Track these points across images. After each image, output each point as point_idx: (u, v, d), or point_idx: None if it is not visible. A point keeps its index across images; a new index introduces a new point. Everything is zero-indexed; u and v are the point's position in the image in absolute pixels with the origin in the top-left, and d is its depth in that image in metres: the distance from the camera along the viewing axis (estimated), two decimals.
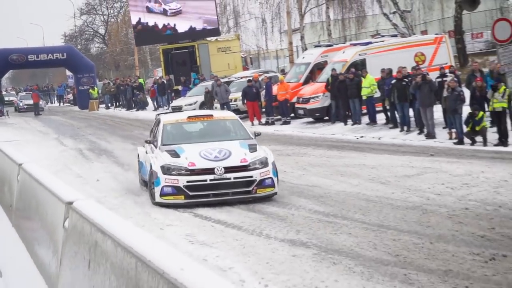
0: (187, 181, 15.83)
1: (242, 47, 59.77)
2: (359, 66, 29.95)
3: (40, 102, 61.05)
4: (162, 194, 15.94)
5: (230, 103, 35.38)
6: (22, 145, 28.72)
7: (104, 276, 6.82)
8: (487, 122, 22.55)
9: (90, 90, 58.62)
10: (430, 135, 24.55)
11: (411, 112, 25.94)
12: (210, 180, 15.84)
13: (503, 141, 21.89)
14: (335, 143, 25.62)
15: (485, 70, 24.83)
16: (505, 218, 13.18)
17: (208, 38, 53.92)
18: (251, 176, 16.02)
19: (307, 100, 31.37)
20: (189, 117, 18.77)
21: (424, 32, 39.11)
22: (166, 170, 16.03)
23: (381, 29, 43.33)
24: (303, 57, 37.39)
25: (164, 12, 53.90)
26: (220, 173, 15.79)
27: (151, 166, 16.61)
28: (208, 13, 53.73)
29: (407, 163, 19.69)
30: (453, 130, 23.41)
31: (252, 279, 10.35)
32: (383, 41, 33.53)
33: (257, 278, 10.41)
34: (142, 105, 50.97)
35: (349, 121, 28.99)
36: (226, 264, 11.13)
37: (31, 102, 60.63)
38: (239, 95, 35.06)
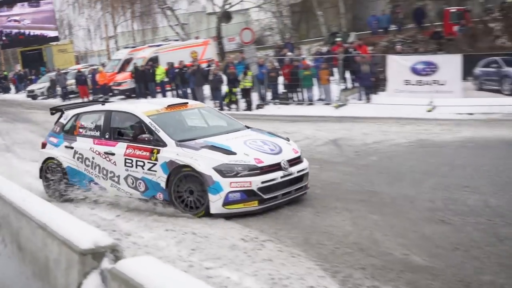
0: (262, 182, 8.95)
1: (75, 48, 58.04)
2: (154, 60, 29.69)
3: None
4: (227, 203, 8.79)
5: (67, 87, 34.41)
6: None
7: None
8: (239, 95, 23.00)
9: None
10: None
11: (189, 90, 25.98)
12: (281, 177, 9.18)
13: (249, 107, 22.39)
14: None
15: (236, 62, 25.14)
16: None
17: (51, 43, 53.09)
18: (306, 168, 9.72)
19: (119, 84, 30.75)
20: (169, 106, 10.46)
21: (197, 37, 39.05)
22: (229, 171, 8.84)
23: (169, 36, 42.91)
24: (117, 55, 36.70)
25: (19, 27, 52.58)
26: (286, 168, 9.26)
27: (169, 168, 9.22)
28: (50, 25, 53.03)
29: None
30: (217, 102, 23.65)
31: (84, 207, 10.00)
32: (169, 44, 33.50)
33: (87, 204, 10.12)
34: (7, 90, 49.23)
35: (149, 97, 28.64)
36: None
37: None
38: (73, 81, 34.03)
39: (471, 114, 17.60)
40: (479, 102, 17.81)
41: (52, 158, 10.99)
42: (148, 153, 9.56)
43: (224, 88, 23.41)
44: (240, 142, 9.52)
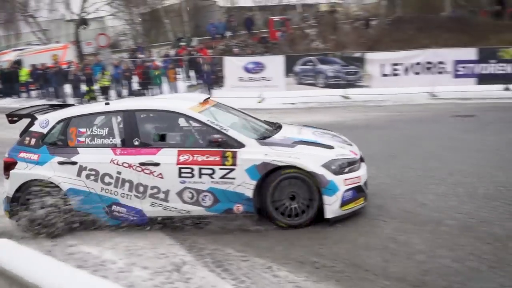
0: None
1: None
2: (18, 63, 27.97)
3: None
4: (344, 203, 6.39)
5: None
6: None
7: None
8: (97, 93, 22.27)
9: None
10: (65, 102, 23.68)
11: (51, 89, 24.63)
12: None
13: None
14: (9, 109, 23.65)
15: (93, 63, 24.28)
16: None
17: None
18: None
19: None
20: (204, 100, 7.38)
21: (57, 42, 37.26)
22: (337, 168, 6.41)
23: (32, 40, 40.49)
24: None
25: None
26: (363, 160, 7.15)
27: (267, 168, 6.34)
28: None
29: None
30: (78, 98, 22.63)
31: None
32: (32, 48, 31.75)
33: None
34: None
35: (14, 96, 26.92)
36: None
37: None
38: None
39: (293, 104, 18.32)
40: (299, 94, 18.64)
41: (37, 180, 6.86)
42: (218, 158, 6.51)
43: (83, 87, 22.58)
44: (311, 134, 7.08)
